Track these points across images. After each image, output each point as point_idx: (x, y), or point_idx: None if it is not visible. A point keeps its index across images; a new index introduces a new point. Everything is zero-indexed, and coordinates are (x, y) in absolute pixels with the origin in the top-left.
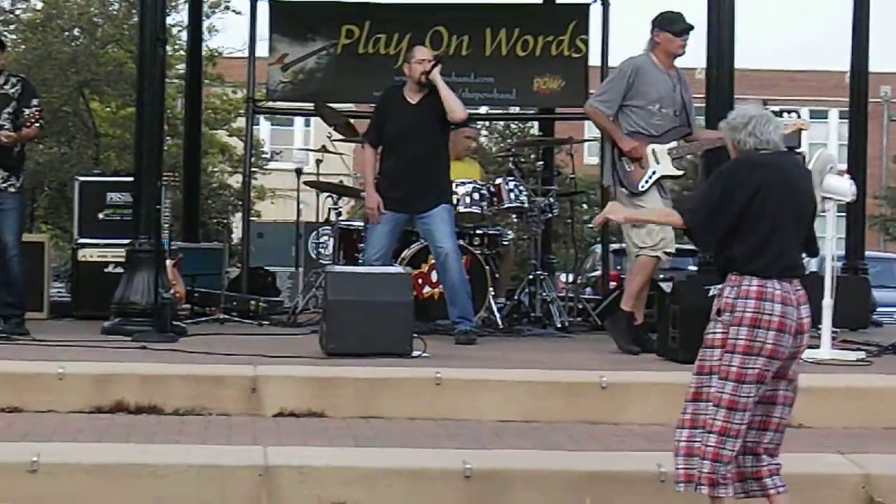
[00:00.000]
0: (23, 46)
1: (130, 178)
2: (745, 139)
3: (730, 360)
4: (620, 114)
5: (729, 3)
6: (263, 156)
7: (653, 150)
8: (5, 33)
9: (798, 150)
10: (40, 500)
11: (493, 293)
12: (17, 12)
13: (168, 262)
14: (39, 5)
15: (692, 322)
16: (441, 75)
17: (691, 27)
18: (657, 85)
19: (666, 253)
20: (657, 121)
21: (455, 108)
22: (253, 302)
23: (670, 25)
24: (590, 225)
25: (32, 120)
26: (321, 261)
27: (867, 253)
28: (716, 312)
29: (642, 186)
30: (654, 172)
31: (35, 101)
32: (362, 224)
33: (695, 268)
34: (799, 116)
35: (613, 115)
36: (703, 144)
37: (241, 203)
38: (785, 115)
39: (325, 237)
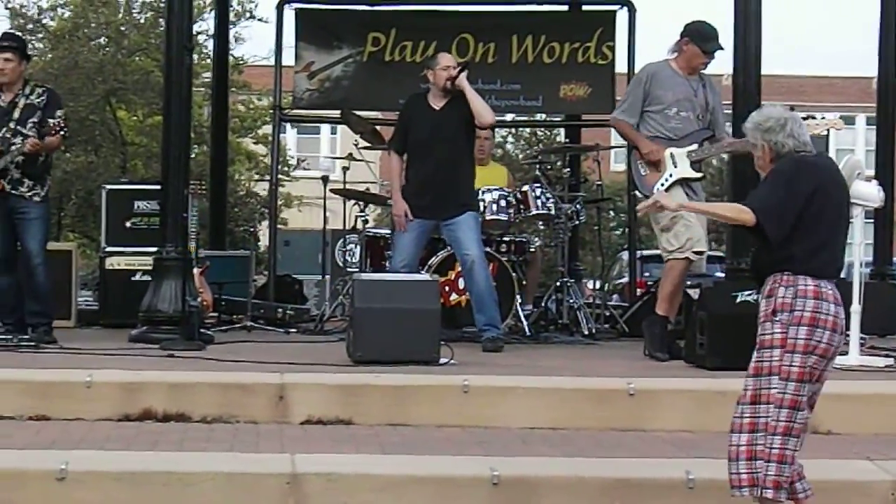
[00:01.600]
0: (50, 55)
1: (157, 187)
2: (783, 141)
3: (790, 359)
4: (640, 119)
5: (756, 8)
6: (290, 163)
7: (671, 153)
8: (33, 42)
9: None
10: None
11: (520, 300)
12: (45, 21)
13: (195, 270)
14: (67, 14)
15: (720, 328)
16: (467, 81)
17: (721, 48)
18: (674, 89)
19: (696, 252)
20: (675, 124)
21: (483, 112)
22: (280, 310)
23: (702, 42)
24: (617, 232)
25: (56, 129)
26: (348, 268)
27: (895, 259)
28: (770, 312)
29: (656, 189)
30: (670, 175)
31: (60, 112)
32: (389, 231)
33: (722, 274)
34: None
35: (636, 123)
36: (724, 147)
37: (267, 211)
38: (817, 114)
39: (352, 245)
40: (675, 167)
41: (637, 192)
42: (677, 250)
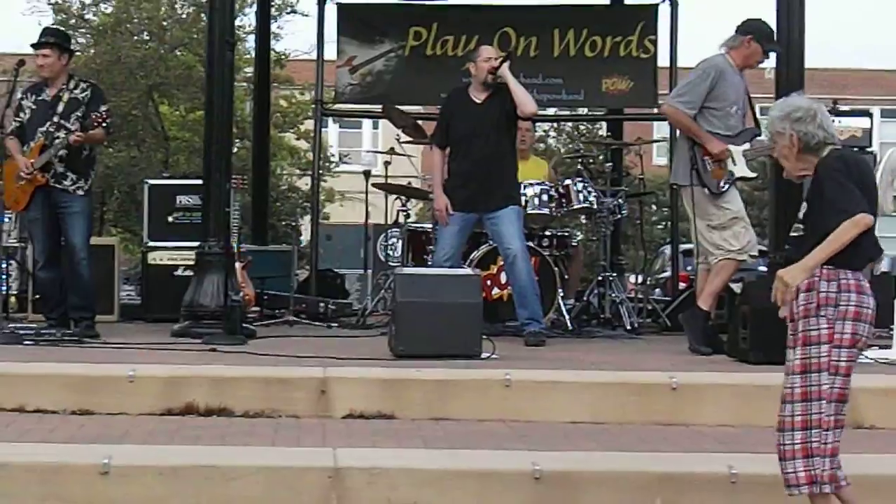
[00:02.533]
0: (92, 51)
1: (199, 181)
2: (814, 132)
3: (838, 354)
4: (699, 115)
5: (799, 3)
6: (332, 158)
7: (730, 151)
8: (75, 37)
9: (869, 150)
10: (112, 501)
11: (562, 294)
12: (87, 17)
13: (237, 265)
14: (109, 10)
15: (763, 323)
16: (510, 72)
17: (779, 50)
18: (735, 87)
19: (752, 256)
20: (733, 122)
21: (525, 101)
22: (322, 304)
23: (766, 41)
24: (659, 226)
25: (99, 120)
26: (390, 263)
27: None
28: (815, 307)
29: (723, 187)
30: (731, 174)
31: (104, 107)
32: (431, 226)
33: (764, 268)
34: (870, 116)
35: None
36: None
37: (309, 205)
38: None
39: (394, 239)
40: (735, 165)
41: (705, 189)
42: (737, 251)
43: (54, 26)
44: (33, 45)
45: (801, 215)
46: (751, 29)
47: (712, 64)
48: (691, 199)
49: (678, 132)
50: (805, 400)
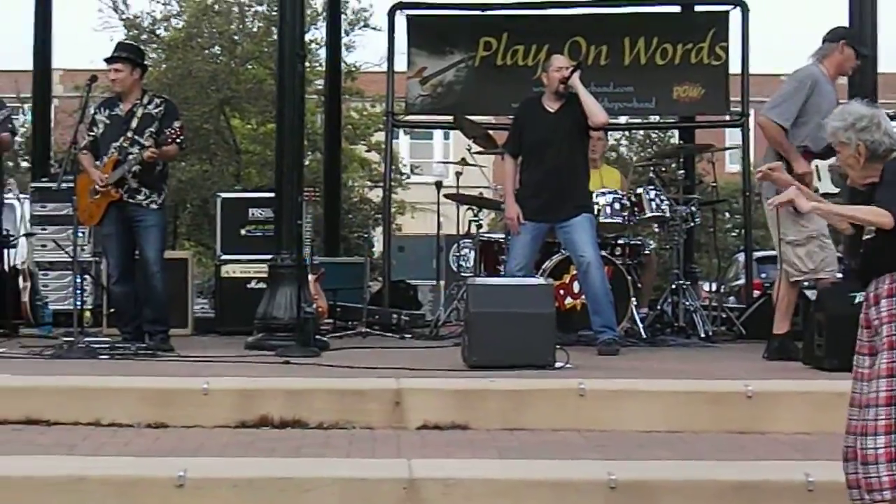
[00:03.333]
0: (164, 65)
1: (272, 194)
2: (881, 139)
3: None
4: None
5: (871, 6)
6: (403, 170)
7: (817, 166)
8: (147, 52)
9: None
10: None
11: (635, 303)
12: (159, 32)
13: (310, 277)
14: (180, 25)
15: (838, 330)
16: (580, 82)
17: (870, 53)
18: (828, 97)
19: (828, 272)
20: (822, 135)
21: (596, 112)
22: (395, 315)
23: (859, 45)
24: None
25: (173, 137)
26: (462, 273)
27: None
28: None
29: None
30: (816, 191)
31: (177, 123)
32: (503, 236)
33: (839, 275)
34: None
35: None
36: None
37: (381, 217)
38: None
39: (466, 250)
40: (820, 181)
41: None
42: (810, 271)
43: (128, 41)
44: (106, 60)
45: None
46: (842, 34)
47: (808, 73)
48: (775, 212)
49: (767, 146)
50: (889, 404)
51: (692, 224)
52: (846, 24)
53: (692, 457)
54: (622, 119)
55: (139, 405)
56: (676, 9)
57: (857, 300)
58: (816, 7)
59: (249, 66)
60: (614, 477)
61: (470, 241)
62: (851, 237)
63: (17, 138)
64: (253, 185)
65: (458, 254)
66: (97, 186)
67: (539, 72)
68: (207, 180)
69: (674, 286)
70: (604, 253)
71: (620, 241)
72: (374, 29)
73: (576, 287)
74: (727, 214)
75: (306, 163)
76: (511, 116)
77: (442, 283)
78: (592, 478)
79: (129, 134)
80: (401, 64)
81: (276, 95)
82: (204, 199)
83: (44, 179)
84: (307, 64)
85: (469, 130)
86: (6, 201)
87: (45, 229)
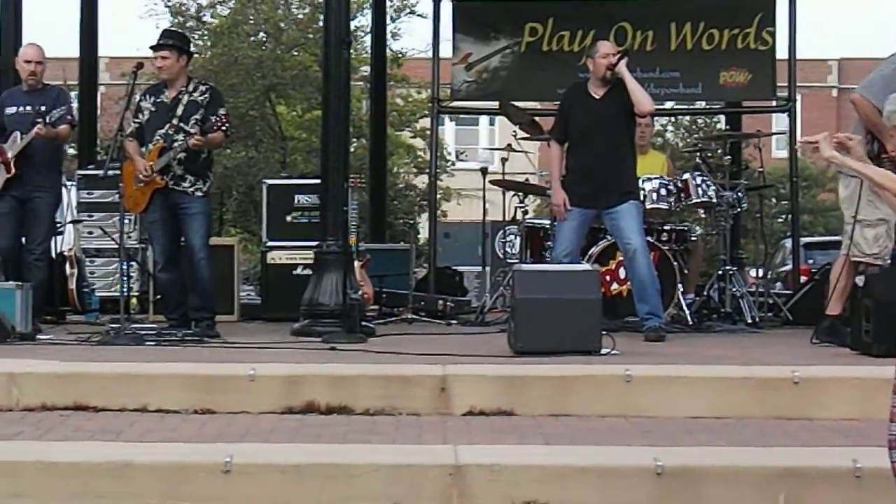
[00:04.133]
0: (209, 52)
1: (317, 181)
2: None
3: None
4: None
5: None
6: (448, 157)
7: None
8: (193, 39)
9: None
10: (234, 500)
11: (681, 289)
12: (205, 19)
13: (356, 264)
14: (226, 11)
15: (886, 315)
16: (627, 69)
17: None
18: None
19: (883, 261)
20: None
21: (642, 99)
22: (441, 301)
23: None
24: (779, 219)
25: (219, 124)
26: (508, 259)
27: None
28: None
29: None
30: None
31: (222, 110)
32: (549, 222)
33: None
34: None
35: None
36: None
37: (426, 203)
38: None
39: (512, 236)
40: None
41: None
42: (871, 255)
43: (174, 28)
44: (152, 48)
45: None
46: None
47: None
48: (858, 189)
49: (855, 122)
50: None
51: (739, 210)
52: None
53: (739, 443)
54: (668, 104)
55: (186, 391)
56: None
57: None
58: None
59: (295, 53)
60: (661, 463)
61: (516, 227)
62: None
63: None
64: (298, 171)
65: (503, 240)
66: (142, 174)
67: (584, 58)
68: (253, 167)
69: (720, 272)
70: (650, 239)
71: (667, 227)
72: (420, 16)
73: (622, 273)
74: (774, 200)
75: (352, 149)
76: (557, 102)
77: (487, 269)
78: (639, 464)
79: (175, 121)
80: (446, 50)
81: (321, 82)
82: (250, 186)
83: (90, 167)
84: (353, 51)
85: (515, 116)
86: None
87: (91, 216)
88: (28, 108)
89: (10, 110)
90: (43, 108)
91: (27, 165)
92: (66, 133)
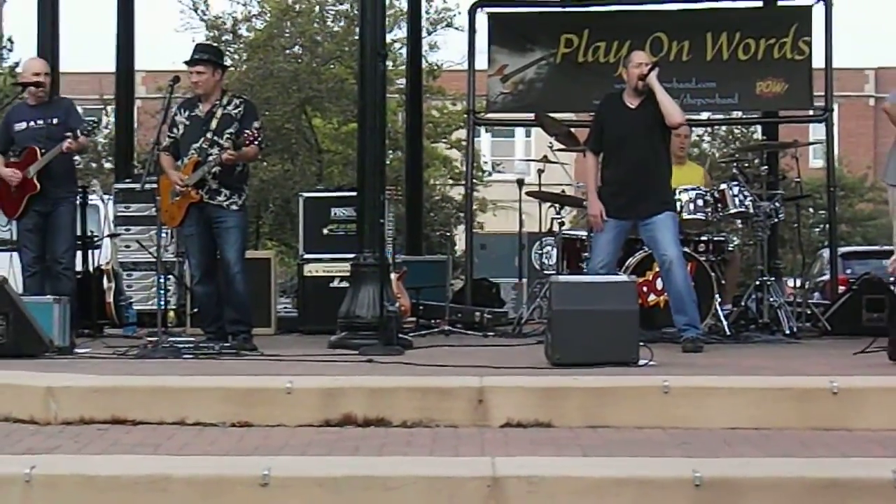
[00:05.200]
0: (245, 66)
1: (354, 193)
2: None
3: None
4: None
5: None
6: (485, 168)
7: None
8: (228, 52)
9: None
10: None
11: (719, 300)
12: (240, 32)
13: (393, 276)
14: (261, 25)
15: None
16: (661, 81)
17: None
18: None
19: None
20: None
21: (671, 111)
22: (478, 313)
23: None
24: (817, 229)
25: (251, 138)
26: (545, 271)
27: None
28: None
29: None
30: None
31: (257, 123)
32: (586, 233)
33: None
34: None
35: None
36: None
37: (463, 215)
38: None
39: (549, 247)
40: None
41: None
42: None
43: (207, 42)
44: (187, 62)
45: None
46: None
47: None
48: None
49: None
50: None
51: (776, 220)
52: None
53: (778, 454)
54: (704, 115)
55: (223, 404)
56: (759, 3)
57: None
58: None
59: (331, 66)
60: (699, 474)
61: (552, 238)
62: None
63: (101, 139)
64: (335, 184)
65: (540, 251)
66: (177, 188)
67: (620, 68)
68: (289, 180)
69: (758, 282)
70: (687, 249)
71: (704, 238)
72: (456, 29)
73: (659, 284)
74: (811, 210)
75: (388, 161)
76: (592, 113)
77: (524, 280)
78: (678, 475)
79: (209, 135)
80: (482, 62)
81: (357, 94)
82: (286, 199)
83: (127, 180)
84: (390, 63)
85: (550, 128)
86: (90, 202)
87: (128, 230)
88: (40, 122)
89: (20, 126)
90: (55, 121)
91: (46, 179)
92: (87, 143)
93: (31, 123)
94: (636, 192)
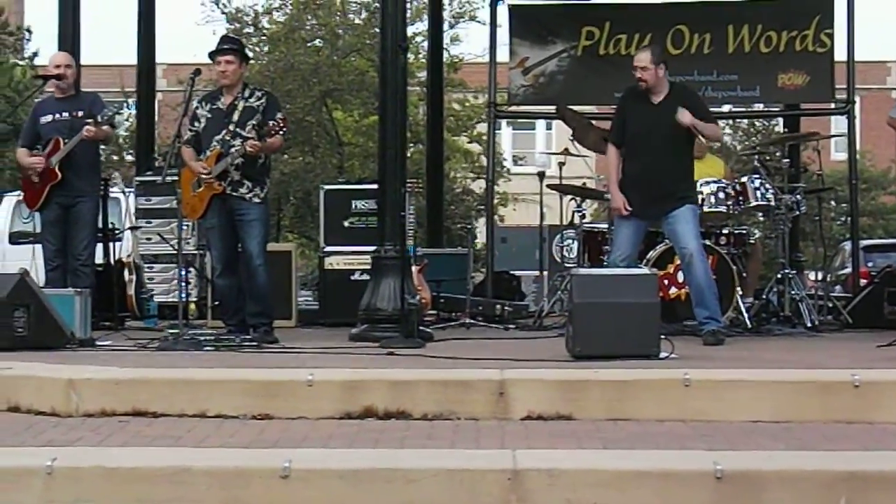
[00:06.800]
0: (266, 58)
1: (375, 186)
2: None
3: None
4: None
5: None
6: (505, 163)
7: None
8: (249, 45)
9: None
10: None
11: (740, 293)
12: (261, 25)
13: (413, 268)
14: (282, 17)
15: None
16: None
17: None
18: None
19: None
20: None
21: (710, 135)
22: (498, 306)
23: None
24: (838, 222)
25: (276, 129)
26: (566, 264)
27: None
28: None
29: None
30: None
31: (279, 115)
32: (606, 226)
33: None
34: None
35: None
36: None
37: (484, 208)
38: None
39: (570, 240)
40: None
41: None
42: None
43: (232, 34)
44: (215, 53)
45: None
46: None
47: None
48: None
49: None
50: None
51: (797, 213)
52: None
53: (799, 447)
54: (726, 108)
55: (244, 397)
56: None
57: None
58: None
59: (352, 59)
60: (721, 467)
61: (573, 231)
62: None
63: (122, 132)
64: (356, 176)
65: (561, 244)
66: (201, 176)
67: None
68: (310, 172)
69: (779, 275)
70: (708, 242)
71: (725, 231)
72: (478, 22)
73: (680, 277)
74: (833, 203)
75: (409, 154)
76: (614, 106)
77: (545, 273)
78: (699, 468)
79: (231, 127)
80: (503, 55)
81: (378, 87)
82: (307, 192)
83: (148, 173)
84: (411, 56)
85: (571, 120)
86: (111, 195)
87: (149, 222)
88: (65, 114)
89: (46, 119)
90: (80, 113)
91: (69, 170)
92: (111, 133)
93: (57, 116)
94: (656, 186)
